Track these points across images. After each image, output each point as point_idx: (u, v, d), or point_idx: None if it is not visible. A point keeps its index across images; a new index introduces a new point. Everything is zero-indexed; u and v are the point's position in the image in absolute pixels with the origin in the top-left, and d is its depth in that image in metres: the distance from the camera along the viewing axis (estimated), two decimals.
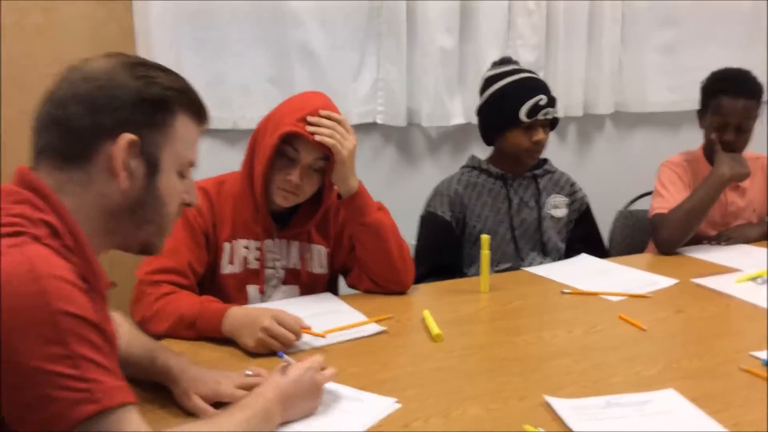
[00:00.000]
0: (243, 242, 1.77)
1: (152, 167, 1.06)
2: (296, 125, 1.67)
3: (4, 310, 0.87)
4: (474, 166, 2.27)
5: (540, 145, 2.18)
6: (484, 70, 2.97)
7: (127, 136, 1.01)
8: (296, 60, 2.74)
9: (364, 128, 2.93)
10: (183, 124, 1.08)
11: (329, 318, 1.64)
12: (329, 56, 2.78)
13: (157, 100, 1.04)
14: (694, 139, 3.28)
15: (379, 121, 2.95)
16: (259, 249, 1.78)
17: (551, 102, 2.15)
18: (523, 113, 2.11)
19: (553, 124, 2.22)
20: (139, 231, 1.09)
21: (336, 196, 1.83)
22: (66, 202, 1.01)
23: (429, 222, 2.23)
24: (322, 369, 1.26)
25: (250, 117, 2.75)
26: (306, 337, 1.52)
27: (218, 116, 2.71)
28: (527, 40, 3.02)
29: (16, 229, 0.94)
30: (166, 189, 1.08)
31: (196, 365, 1.30)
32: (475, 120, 3.03)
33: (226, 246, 1.76)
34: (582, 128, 3.35)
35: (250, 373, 1.30)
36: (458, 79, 3.01)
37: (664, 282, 1.97)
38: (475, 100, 3.01)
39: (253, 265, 1.78)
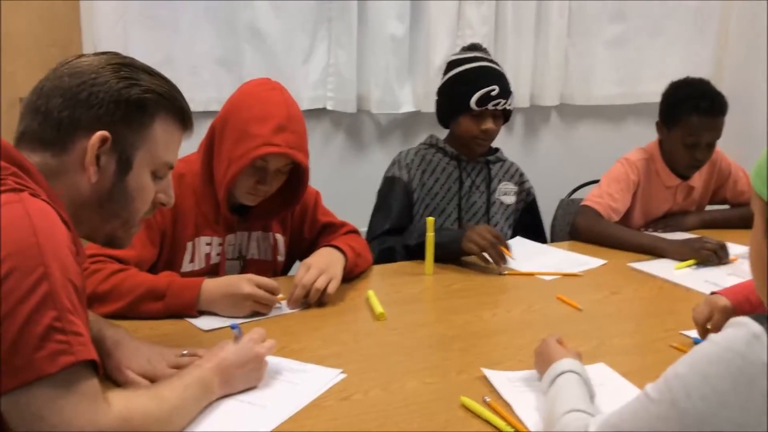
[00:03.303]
0: (205, 239, 1.74)
1: (124, 165, 1.10)
2: (268, 146, 1.61)
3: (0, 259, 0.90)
4: (431, 144, 2.30)
5: (488, 134, 2.20)
6: (434, 58, 3.03)
7: (100, 133, 1.05)
8: (246, 42, 2.73)
9: (315, 114, 2.94)
10: (162, 127, 1.12)
11: None
12: (279, 39, 2.78)
13: (136, 102, 1.08)
14: (636, 132, 3.40)
15: (329, 107, 2.96)
16: (221, 245, 1.76)
17: (504, 93, 2.16)
18: (473, 101, 2.13)
19: (506, 115, 2.25)
20: (105, 224, 1.14)
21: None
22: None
23: (389, 184, 2.23)
24: (263, 341, 1.27)
25: (199, 99, 2.73)
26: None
27: None
28: (476, 30, 3.06)
29: (14, 186, 0.98)
30: (136, 187, 1.12)
31: (132, 339, 1.29)
32: (424, 108, 3.09)
33: (189, 245, 1.73)
34: (528, 119, 3.42)
35: (185, 352, 1.29)
36: (408, 67, 3.04)
37: (594, 262, 2.05)
38: (425, 89, 3.07)
39: (216, 260, 1.76)
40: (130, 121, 1.08)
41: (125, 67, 1.10)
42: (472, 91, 2.14)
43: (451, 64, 2.28)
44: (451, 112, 2.24)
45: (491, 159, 2.32)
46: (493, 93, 2.14)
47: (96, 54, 1.13)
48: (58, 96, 1.06)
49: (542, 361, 1.26)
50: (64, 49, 2.50)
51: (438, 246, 1.96)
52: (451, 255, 2.00)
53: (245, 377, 1.22)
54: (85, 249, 1.56)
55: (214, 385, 1.16)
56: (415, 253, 2.01)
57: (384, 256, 2.08)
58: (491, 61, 2.27)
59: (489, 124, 2.18)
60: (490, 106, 2.15)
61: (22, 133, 1.08)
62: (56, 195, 1.05)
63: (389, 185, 2.24)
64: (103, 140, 1.06)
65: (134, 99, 1.08)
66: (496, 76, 2.19)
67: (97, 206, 1.10)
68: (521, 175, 2.39)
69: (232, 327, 1.31)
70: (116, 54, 1.14)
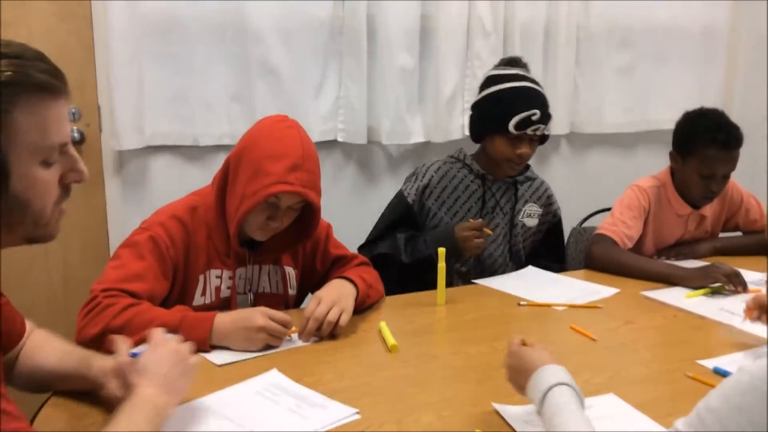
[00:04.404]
0: (215, 272, 1.75)
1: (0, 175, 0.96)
2: (281, 184, 1.62)
3: None
4: (458, 158, 2.28)
5: (523, 159, 2.17)
6: (444, 89, 3.05)
7: None
8: (258, 77, 2.76)
9: (326, 146, 2.95)
10: (26, 113, 0.96)
11: None
12: (291, 73, 2.80)
13: None
14: (647, 160, 3.39)
15: (340, 139, 2.98)
16: (231, 278, 1.76)
17: (544, 118, 2.11)
18: (512, 124, 2.07)
19: (542, 139, 2.21)
20: (14, 234, 1.02)
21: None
22: None
23: (396, 199, 2.30)
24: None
25: (212, 134, 2.76)
26: None
27: (180, 132, 2.72)
28: (485, 60, 3.07)
29: None
30: (26, 188, 0.98)
31: None
32: (434, 139, 3.10)
33: (200, 278, 1.73)
34: (539, 149, 3.39)
35: None
36: (418, 98, 3.06)
37: (607, 291, 2.04)
38: (435, 120, 3.08)
39: (226, 294, 1.76)
40: None
41: None
42: (511, 113, 2.08)
43: (491, 80, 2.21)
44: (485, 131, 2.20)
45: (520, 179, 2.27)
46: (534, 117, 2.08)
47: None
48: None
49: (518, 372, 1.21)
50: (81, 89, 2.53)
51: (432, 261, 1.93)
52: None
53: (178, 376, 1.20)
54: (105, 281, 1.57)
55: (152, 398, 1.14)
56: (410, 268, 1.99)
57: (377, 263, 2.04)
58: (533, 81, 2.19)
59: (525, 149, 2.13)
60: (528, 131, 2.09)
61: None
62: None
63: (395, 200, 2.31)
64: None
65: None
66: (538, 99, 2.13)
67: None
68: (549, 197, 2.34)
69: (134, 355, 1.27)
70: None
